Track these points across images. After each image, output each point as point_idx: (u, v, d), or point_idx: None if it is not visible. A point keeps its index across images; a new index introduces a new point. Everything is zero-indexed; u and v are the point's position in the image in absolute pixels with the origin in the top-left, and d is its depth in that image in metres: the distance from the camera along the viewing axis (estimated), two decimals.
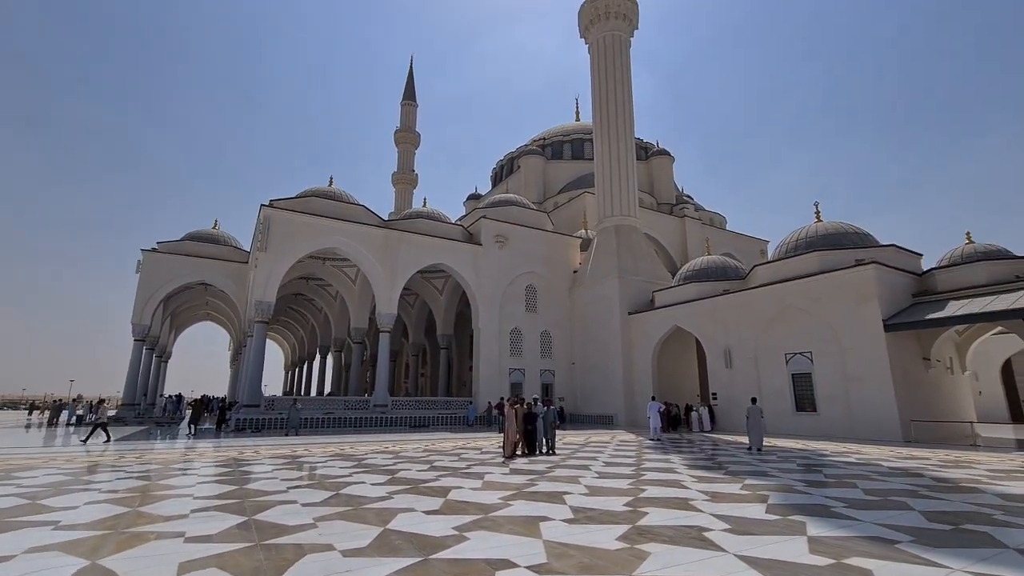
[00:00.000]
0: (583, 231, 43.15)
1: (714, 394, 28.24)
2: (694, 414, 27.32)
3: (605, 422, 32.45)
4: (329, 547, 5.59)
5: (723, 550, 5.49)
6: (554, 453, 15.26)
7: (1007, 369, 38.97)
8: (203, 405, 29.23)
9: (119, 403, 38.97)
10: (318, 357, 50.69)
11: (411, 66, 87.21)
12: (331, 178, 34.76)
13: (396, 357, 52.48)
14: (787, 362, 24.68)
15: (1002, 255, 22.18)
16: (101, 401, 21.96)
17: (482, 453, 15.56)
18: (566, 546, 5.67)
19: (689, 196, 62.10)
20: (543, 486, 9.70)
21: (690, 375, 33.64)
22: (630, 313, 33.22)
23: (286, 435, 22.78)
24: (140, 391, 37.83)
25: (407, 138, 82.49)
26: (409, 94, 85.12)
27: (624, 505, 7.93)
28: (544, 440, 15.51)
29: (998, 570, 4.84)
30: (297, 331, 61.24)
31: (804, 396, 23.97)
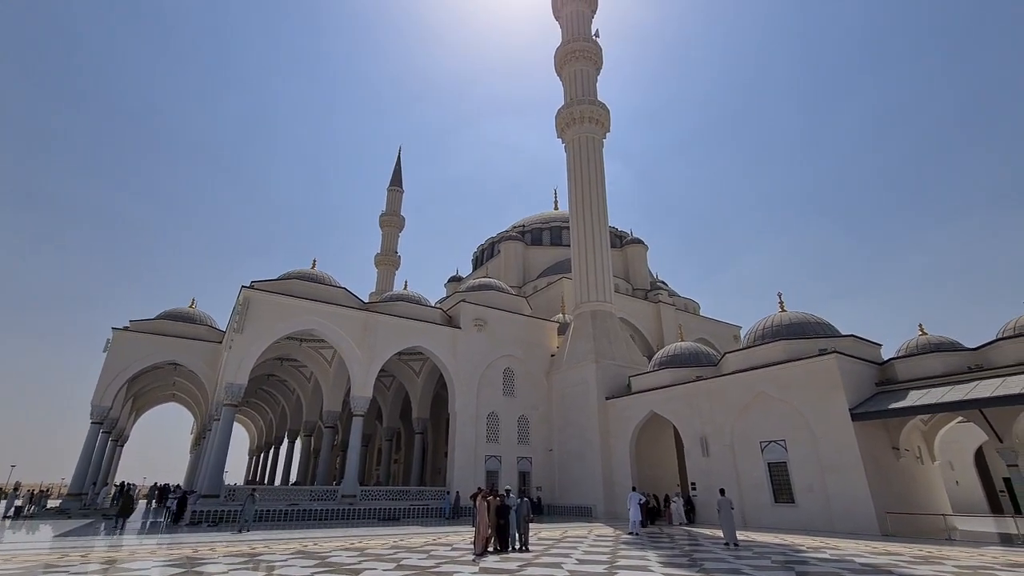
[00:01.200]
0: (561, 315, 44.07)
1: (693, 484, 27.77)
2: (673, 506, 26.66)
3: (584, 513, 31.27)
4: None
5: None
6: (527, 550, 14.71)
7: (980, 458, 39.33)
8: (162, 493, 27.38)
9: (64, 492, 36.18)
10: (286, 442, 48.57)
11: (399, 155, 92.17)
12: (314, 260, 35.56)
13: (369, 442, 50.60)
14: (763, 450, 24.73)
15: (954, 347, 23.44)
16: (43, 492, 20.46)
17: (452, 550, 14.91)
18: None
19: (663, 282, 64.49)
20: None
21: (669, 463, 33.14)
22: (607, 398, 33.25)
23: (239, 531, 20.24)
24: (91, 478, 35.35)
25: (392, 221, 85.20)
26: (396, 180, 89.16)
27: None
28: (517, 535, 14.99)
29: None
30: (266, 414, 58.95)
31: (781, 486, 23.79)
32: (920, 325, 25.28)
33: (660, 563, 12.46)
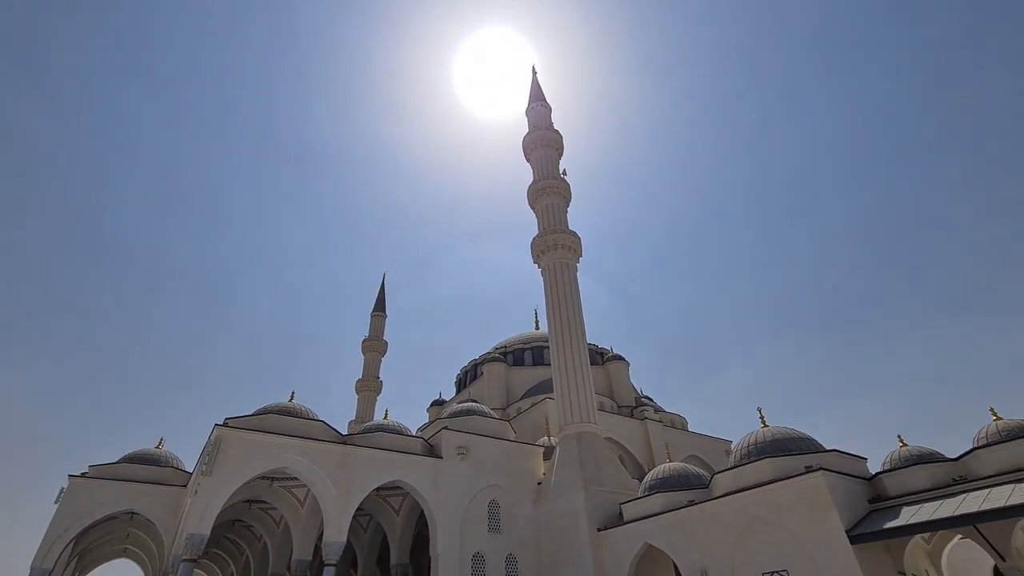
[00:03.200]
0: (546, 438, 42.94)
1: None
2: None
3: None
4: None
5: None
6: None
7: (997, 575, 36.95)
8: None
9: None
10: None
11: (383, 282, 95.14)
12: (292, 393, 35.03)
13: None
14: None
15: (935, 458, 23.46)
16: None
17: None
18: None
19: (648, 397, 64.15)
20: None
21: None
22: (599, 529, 31.34)
23: None
24: None
25: (375, 346, 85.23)
26: (380, 306, 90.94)
27: None
28: None
29: None
30: (227, 566, 53.12)
31: None
32: (900, 436, 25.48)
33: None
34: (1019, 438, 20.76)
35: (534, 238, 49.09)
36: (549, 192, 51.63)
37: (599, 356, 64.19)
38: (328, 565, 28.26)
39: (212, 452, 27.03)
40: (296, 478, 31.31)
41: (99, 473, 33.54)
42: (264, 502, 36.89)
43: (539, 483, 37.22)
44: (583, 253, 49.72)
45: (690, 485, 30.02)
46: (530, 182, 53.82)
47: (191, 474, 34.91)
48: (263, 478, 32.98)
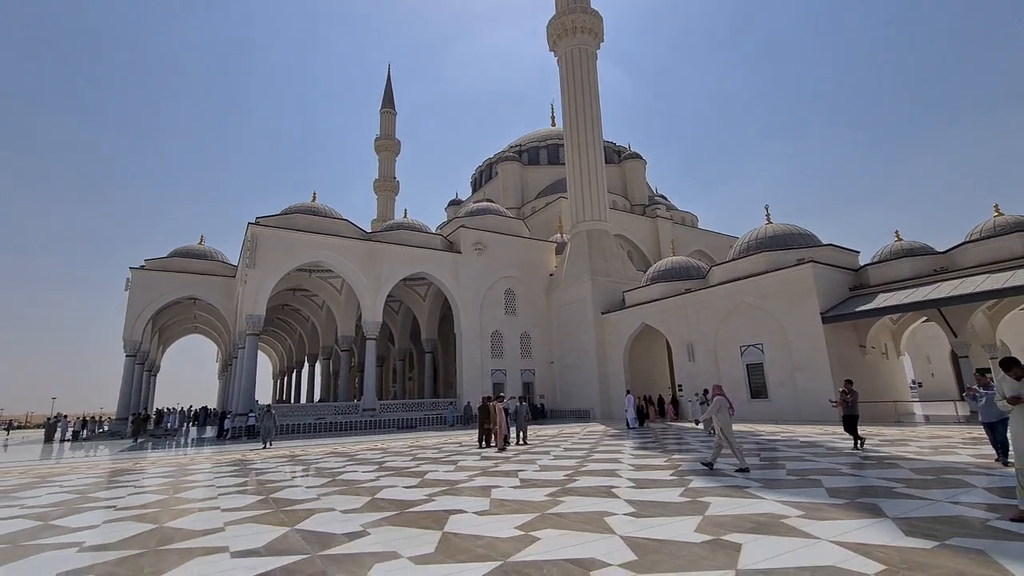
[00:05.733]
0: (559, 235, 45.25)
1: (680, 385, 30.51)
2: (689, 405, 29.20)
3: (583, 416, 34.54)
4: (331, 509, 7.49)
5: (618, 498, 7.50)
6: (525, 443, 17.25)
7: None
8: (205, 414, 30.39)
9: (110, 418, 40.03)
10: (307, 365, 52.08)
11: (388, 74, 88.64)
12: (314, 194, 36.33)
13: (383, 362, 54.07)
14: (742, 353, 27.02)
15: (924, 251, 24.73)
16: (95, 419, 23.27)
17: (460, 446, 17.49)
18: (505, 502, 7.64)
19: (663, 196, 64.69)
20: (504, 467, 11.67)
21: (660, 368, 35.91)
22: (603, 313, 35.37)
23: (264, 446, 19.65)
24: (133, 405, 38.97)
25: (387, 146, 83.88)
26: (388, 102, 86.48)
27: (564, 475, 9.93)
28: (518, 433, 17.50)
29: (799, 496, 6.91)
30: (285, 341, 62.43)
31: (758, 384, 26.32)
32: (896, 232, 26.39)
33: (632, 447, 14.84)
34: (1006, 234, 21.52)
35: (550, 20, 43.73)
36: None
37: (616, 154, 62.75)
38: (369, 339, 33.30)
39: (251, 247, 29.64)
40: (331, 270, 34.70)
41: (154, 266, 37.44)
42: (306, 290, 41.57)
43: (551, 275, 40.67)
44: (605, 37, 44.75)
45: (689, 276, 32.67)
46: None
47: (236, 267, 38.74)
48: (301, 270, 36.60)
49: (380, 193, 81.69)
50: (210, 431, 32.80)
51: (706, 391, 21.75)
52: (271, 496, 8.86)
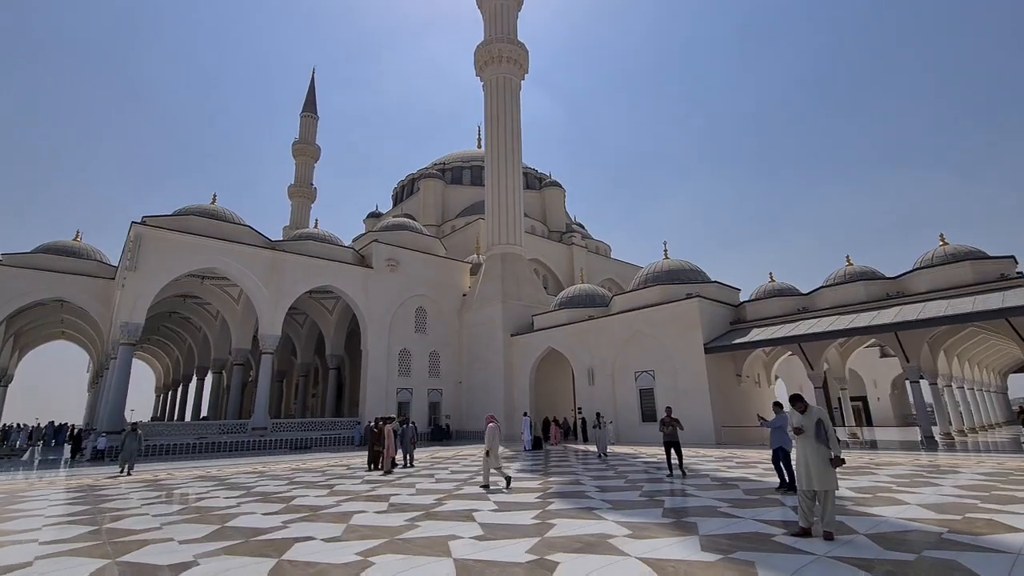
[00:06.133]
0: (475, 256, 45.74)
1: (579, 408, 31.67)
2: (599, 431, 30.37)
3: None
4: (169, 539, 7.01)
5: (474, 521, 7.73)
6: (412, 466, 17.05)
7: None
8: (54, 431, 26.95)
9: None
10: (195, 379, 47.87)
11: (312, 78, 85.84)
12: (214, 195, 34.08)
13: (285, 378, 51.05)
14: (636, 379, 28.69)
15: (791, 292, 27.95)
16: None
17: (347, 469, 16.93)
18: (360, 528, 7.58)
19: (580, 224, 67.70)
20: (381, 491, 11.51)
21: (565, 392, 37.05)
22: (512, 335, 36.05)
23: (121, 472, 16.81)
24: None
25: (306, 150, 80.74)
26: (310, 106, 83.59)
27: (435, 499, 10.01)
28: (405, 455, 17.26)
29: (636, 517, 7.53)
30: (172, 351, 57.06)
31: (648, 408, 27.99)
32: (770, 273, 29.63)
33: (517, 469, 15.21)
34: (852, 282, 25.04)
35: (478, 46, 44.93)
36: None
37: (538, 181, 64.99)
38: (265, 353, 31.40)
39: (133, 248, 27.10)
40: (227, 278, 32.50)
41: (14, 262, 32.96)
42: (198, 297, 38.51)
43: (464, 295, 40.89)
44: (530, 68, 46.67)
45: (594, 303, 34.29)
46: None
47: (116, 268, 35.13)
48: (194, 276, 33.93)
49: (295, 199, 78.15)
50: (67, 451, 28.98)
51: (598, 414, 22.87)
52: (106, 526, 8.11)
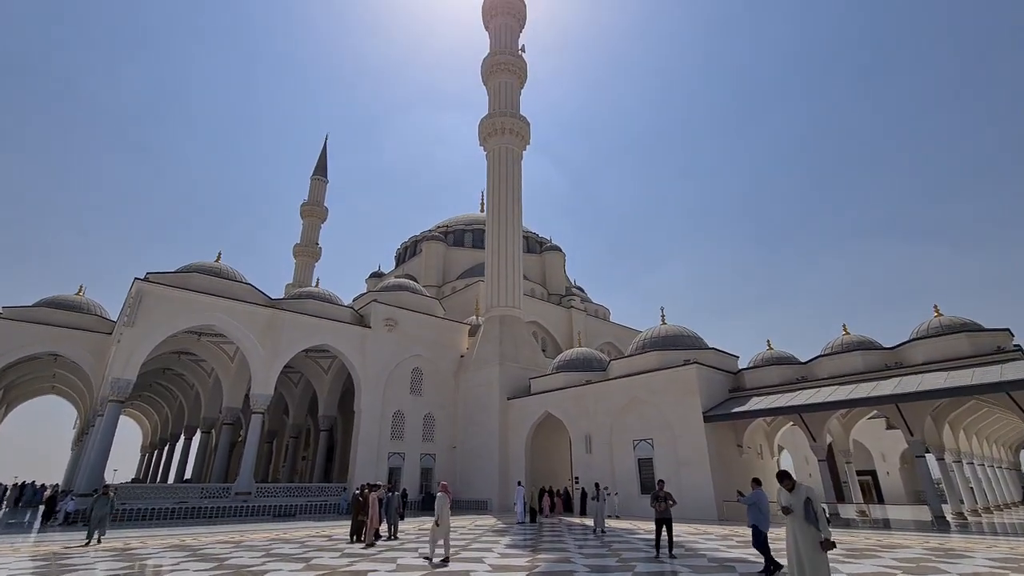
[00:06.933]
0: (474, 317, 45.82)
1: (576, 477, 30.51)
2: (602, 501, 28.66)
3: (481, 507, 33.18)
4: None
5: None
6: (396, 538, 16.23)
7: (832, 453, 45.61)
8: (20, 493, 25.87)
9: None
10: (183, 438, 46.54)
11: (325, 144, 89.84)
12: (219, 253, 34.78)
13: (275, 438, 49.66)
14: (634, 448, 27.84)
15: (789, 360, 27.73)
16: None
17: (329, 540, 16.10)
18: None
19: (580, 288, 68.25)
20: (359, 566, 10.91)
21: (562, 458, 35.84)
22: (509, 398, 35.40)
23: (87, 542, 15.18)
24: None
25: (314, 211, 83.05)
26: (321, 170, 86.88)
27: None
28: (390, 527, 16.48)
29: None
30: (161, 408, 55.88)
31: (647, 478, 26.96)
32: (768, 341, 29.52)
33: (507, 544, 14.46)
34: (849, 351, 24.90)
35: (482, 119, 47.38)
36: (503, 69, 48.89)
37: (538, 245, 66.23)
38: (255, 413, 30.76)
39: (133, 304, 27.30)
40: (224, 335, 32.47)
41: (14, 315, 33.13)
42: (193, 354, 38.25)
43: (462, 356, 40.57)
44: (534, 139, 48.94)
45: (591, 367, 33.93)
46: (486, 54, 50.53)
47: (115, 323, 35.21)
48: (191, 332, 33.94)
49: (299, 258, 79.48)
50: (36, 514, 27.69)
51: (597, 485, 21.98)
52: None
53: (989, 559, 11.37)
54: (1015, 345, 21.22)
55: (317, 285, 38.85)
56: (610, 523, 22.04)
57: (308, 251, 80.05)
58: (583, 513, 28.70)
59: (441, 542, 11.96)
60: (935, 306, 24.48)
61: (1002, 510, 32.28)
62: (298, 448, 46.49)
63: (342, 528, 20.18)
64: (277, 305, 34.16)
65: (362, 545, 14.57)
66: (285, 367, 34.02)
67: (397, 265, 69.49)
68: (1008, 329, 22.07)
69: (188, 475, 45.17)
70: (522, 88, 50.63)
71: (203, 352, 36.41)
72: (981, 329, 22.41)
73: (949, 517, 21.61)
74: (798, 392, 24.34)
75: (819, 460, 24.02)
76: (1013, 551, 12.60)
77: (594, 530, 18.89)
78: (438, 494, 12.33)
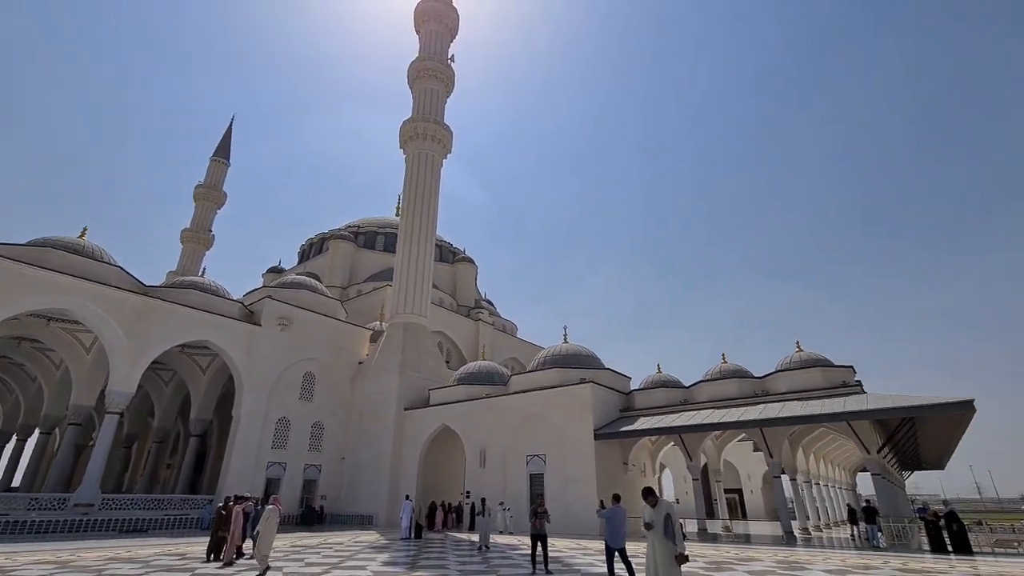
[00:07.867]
0: (378, 323, 44.19)
1: (467, 492, 30.15)
2: (499, 515, 27.87)
3: (366, 522, 31.62)
4: None
5: None
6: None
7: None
8: None
9: None
10: (14, 439, 39.70)
11: (231, 125, 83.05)
12: (84, 228, 30.53)
13: (135, 442, 43.99)
14: (527, 463, 28.13)
15: (675, 384, 29.74)
16: None
17: (182, 559, 14.35)
18: None
19: (490, 301, 68.54)
20: None
21: (458, 475, 35.21)
22: (406, 408, 34.34)
23: None
24: None
25: (209, 195, 75.95)
26: (222, 151, 79.95)
27: None
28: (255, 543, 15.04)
29: None
30: None
31: (538, 494, 27.26)
32: (658, 365, 31.50)
33: (383, 562, 13.78)
34: (725, 378, 27.26)
35: (404, 122, 46.48)
36: (430, 75, 48.51)
37: (451, 254, 65.82)
38: (110, 413, 27.03)
39: None
40: (81, 322, 28.35)
41: None
42: (39, 342, 32.96)
43: (360, 363, 38.82)
44: (457, 151, 48.83)
45: (492, 381, 33.98)
46: (414, 58, 49.88)
47: None
48: (38, 316, 29.26)
49: (187, 244, 72.12)
50: None
51: (484, 500, 21.78)
52: None
53: (825, 571, 12.74)
54: (856, 380, 24.44)
55: (203, 275, 35.41)
56: (496, 539, 21.93)
57: (198, 237, 72.90)
58: (472, 528, 28.34)
59: (260, 558, 11.78)
60: (797, 342, 27.60)
61: (838, 526, 36.77)
62: (162, 455, 41.54)
63: (200, 545, 18.12)
64: (152, 293, 30.58)
65: (218, 564, 13.13)
66: (154, 363, 30.49)
67: (300, 262, 65.56)
68: (851, 366, 25.38)
69: (16, 483, 38.49)
70: (448, 97, 50.53)
71: (52, 340, 31.48)
72: (832, 365, 25.56)
73: (796, 532, 24.12)
74: (680, 413, 26.10)
75: (694, 479, 25.80)
76: (844, 563, 14.25)
77: (479, 547, 18.65)
78: (268, 507, 12.10)
